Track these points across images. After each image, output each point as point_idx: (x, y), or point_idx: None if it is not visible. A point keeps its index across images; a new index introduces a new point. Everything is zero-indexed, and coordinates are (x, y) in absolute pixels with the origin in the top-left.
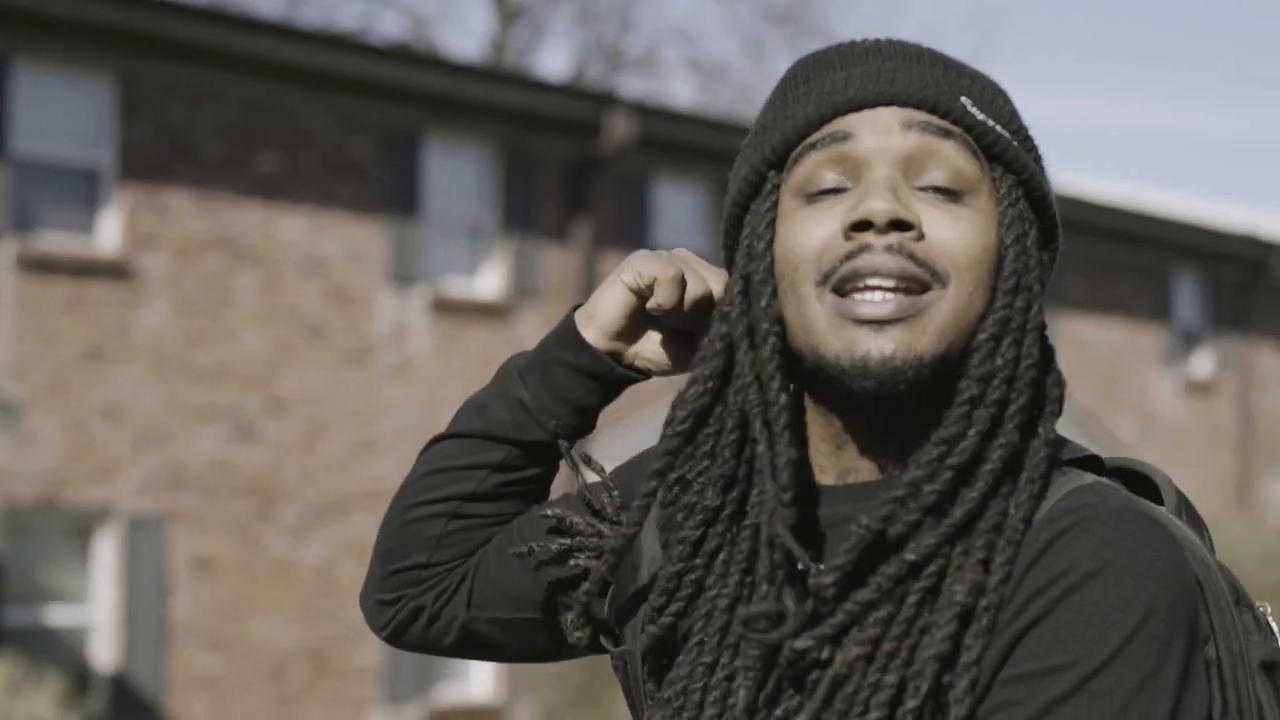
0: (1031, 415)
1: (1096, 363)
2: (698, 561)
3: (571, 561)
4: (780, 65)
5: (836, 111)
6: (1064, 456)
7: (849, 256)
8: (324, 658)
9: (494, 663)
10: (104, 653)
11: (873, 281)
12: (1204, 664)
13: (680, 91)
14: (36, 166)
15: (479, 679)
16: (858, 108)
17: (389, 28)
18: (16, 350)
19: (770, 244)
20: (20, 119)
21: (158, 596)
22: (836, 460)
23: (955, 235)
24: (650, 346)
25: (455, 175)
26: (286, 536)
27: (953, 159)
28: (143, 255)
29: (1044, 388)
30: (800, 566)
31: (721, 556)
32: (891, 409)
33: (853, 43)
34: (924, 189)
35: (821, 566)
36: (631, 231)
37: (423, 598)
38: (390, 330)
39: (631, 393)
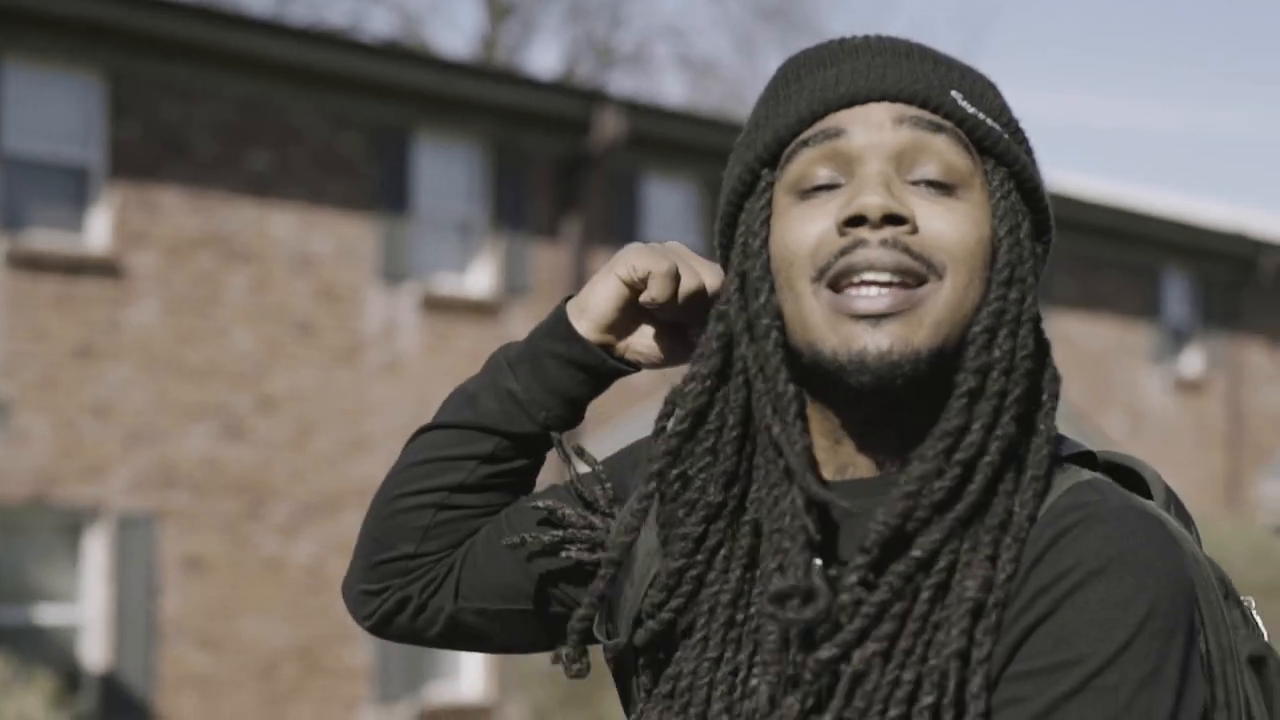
0: (1029, 408)
1: (1086, 361)
2: (699, 558)
3: (564, 554)
4: (770, 62)
5: (828, 108)
6: (1061, 452)
7: (844, 252)
8: (314, 656)
9: (479, 653)
10: (94, 651)
11: (868, 276)
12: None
13: (671, 88)
14: (26, 164)
15: (469, 678)
16: (849, 104)
17: (379, 25)
18: (6, 348)
19: (765, 241)
20: (10, 116)
21: (148, 595)
22: (835, 455)
23: (949, 227)
24: (641, 339)
25: (445, 172)
26: (277, 535)
27: (945, 153)
28: (133, 253)
29: (1040, 380)
30: (816, 562)
31: (723, 552)
32: (889, 404)
33: (843, 40)
34: (916, 183)
35: (826, 569)
36: (621, 229)
37: (409, 588)
38: (380, 328)
39: (620, 390)
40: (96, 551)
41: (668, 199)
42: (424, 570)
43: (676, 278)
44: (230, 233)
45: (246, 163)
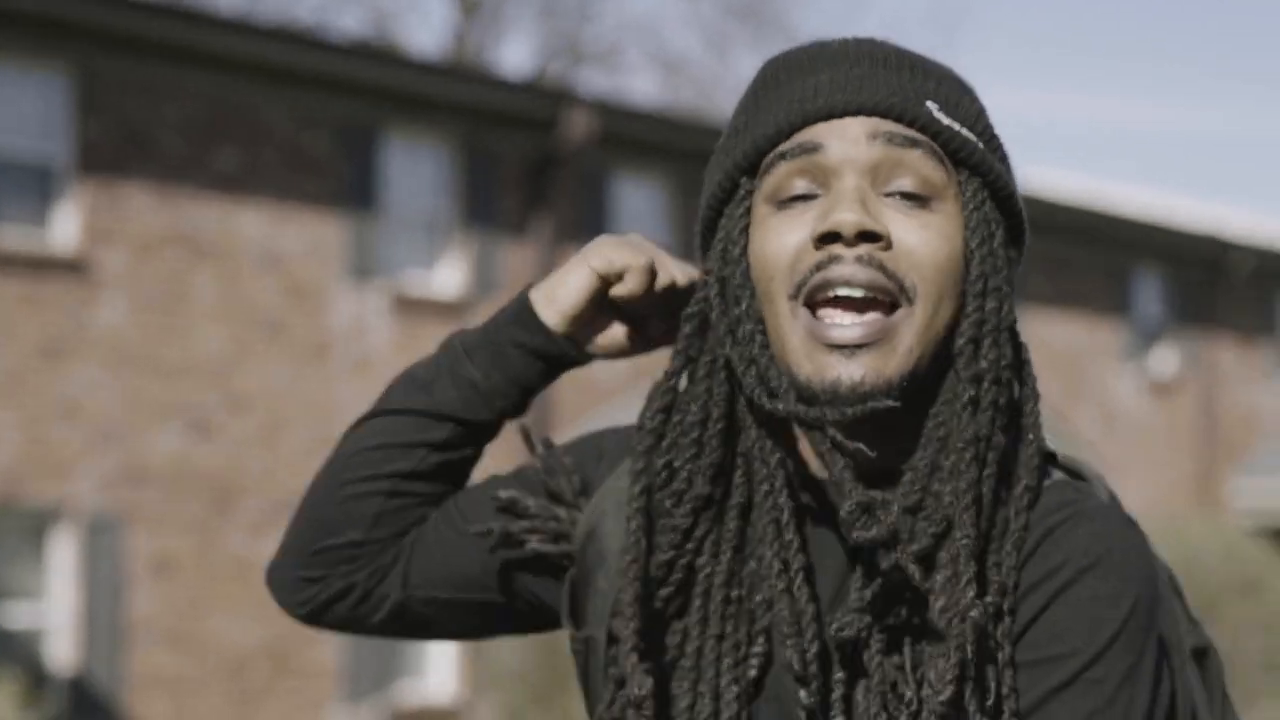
0: (1013, 416)
1: (1058, 359)
2: (689, 547)
3: (528, 545)
4: (741, 60)
5: (806, 121)
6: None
7: (819, 267)
8: (284, 656)
9: (417, 640)
10: (62, 652)
11: (843, 292)
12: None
13: (642, 86)
14: None
15: (440, 678)
16: (826, 117)
17: (350, 22)
18: None
19: (744, 249)
20: None
21: (116, 595)
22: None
23: (922, 243)
24: (603, 331)
25: (414, 171)
26: (246, 534)
27: (919, 167)
28: (100, 251)
29: (1022, 387)
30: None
31: (711, 538)
32: (867, 420)
33: (822, 44)
34: (891, 195)
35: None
36: (591, 228)
37: (354, 576)
38: (349, 326)
39: (587, 388)
40: (64, 552)
41: (637, 198)
42: (370, 558)
43: (653, 273)
44: (198, 231)
45: (215, 161)
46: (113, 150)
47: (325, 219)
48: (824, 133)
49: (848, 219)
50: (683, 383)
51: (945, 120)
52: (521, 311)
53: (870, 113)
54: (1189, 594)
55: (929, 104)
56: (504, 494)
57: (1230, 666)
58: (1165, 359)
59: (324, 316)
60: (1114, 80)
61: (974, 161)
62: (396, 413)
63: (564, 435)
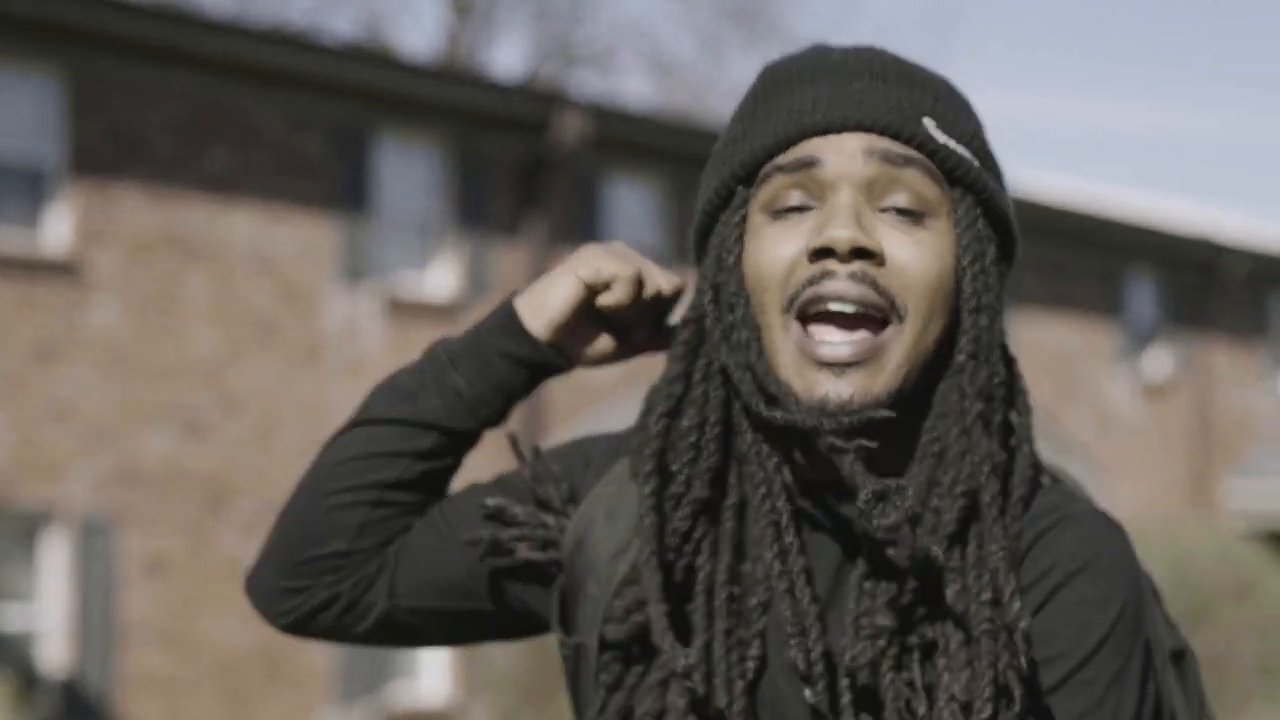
0: (1006, 430)
1: (1051, 362)
2: (687, 548)
3: (517, 553)
4: (736, 63)
5: (804, 134)
6: None
7: (812, 281)
8: (276, 658)
9: (402, 648)
10: (55, 654)
11: (834, 307)
12: None
13: (635, 88)
14: None
15: (432, 680)
16: (824, 131)
17: (342, 24)
18: None
19: (739, 257)
20: None
21: (108, 596)
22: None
23: (914, 259)
24: (587, 340)
25: (406, 173)
26: (239, 535)
27: (914, 184)
28: (92, 253)
29: (1012, 400)
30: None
31: (709, 539)
32: (861, 429)
33: (822, 53)
34: (886, 210)
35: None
36: (584, 230)
37: (339, 586)
38: (341, 327)
39: (580, 391)
40: (57, 553)
41: (630, 201)
42: (355, 567)
43: (639, 283)
44: (191, 233)
45: (207, 163)
46: (104, 152)
47: (317, 221)
48: (821, 147)
49: (843, 235)
50: (679, 388)
51: (941, 139)
52: (507, 320)
53: (868, 129)
54: (1183, 596)
55: (926, 120)
56: (491, 502)
57: (1224, 670)
58: (1159, 362)
59: (316, 318)
60: (1108, 83)
61: (969, 180)
62: (381, 422)
63: (556, 436)
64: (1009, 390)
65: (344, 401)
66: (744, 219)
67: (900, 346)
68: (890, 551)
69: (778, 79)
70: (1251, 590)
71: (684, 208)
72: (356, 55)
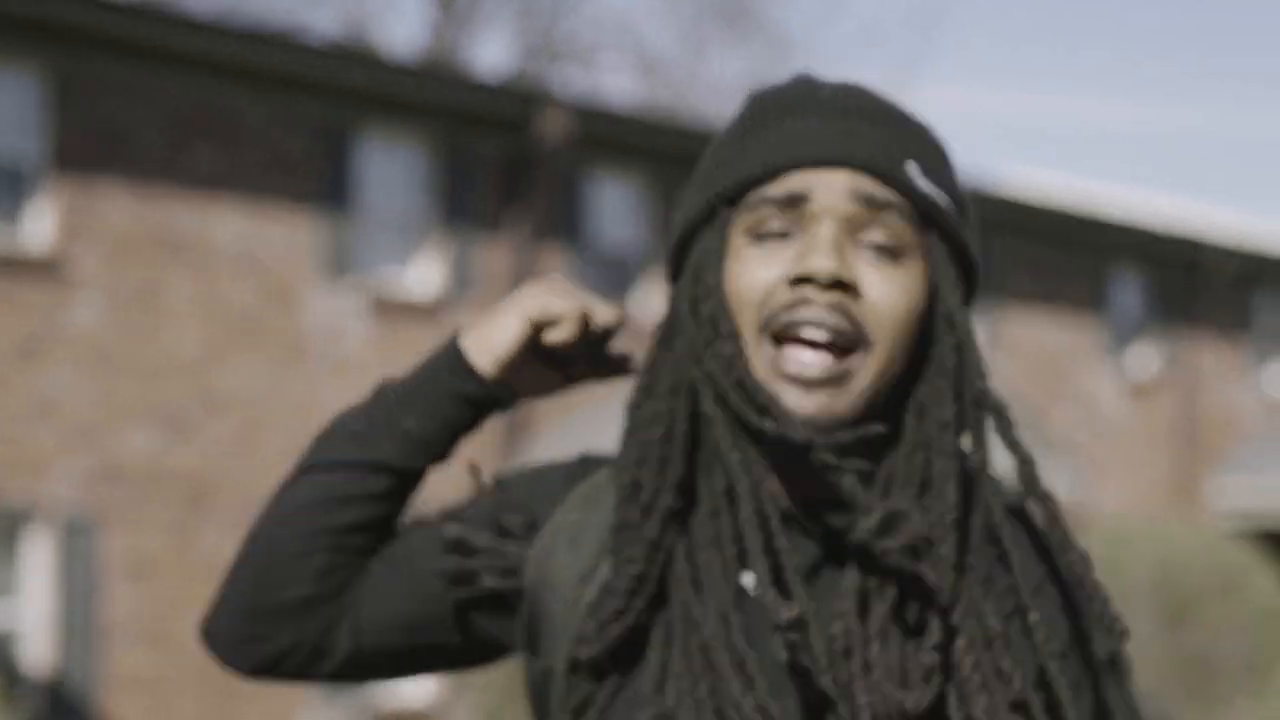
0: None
1: (1037, 359)
2: (658, 557)
3: (481, 582)
4: (720, 61)
5: (792, 165)
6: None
7: (790, 307)
8: None
9: (369, 682)
10: (37, 653)
11: (808, 333)
12: None
13: (619, 85)
14: None
15: (416, 680)
16: (813, 164)
17: (325, 21)
18: None
19: (719, 275)
20: None
21: (91, 596)
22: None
23: (886, 294)
24: (530, 375)
25: (390, 171)
26: (222, 535)
27: (894, 224)
28: (75, 251)
29: (978, 430)
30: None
31: (682, 549)
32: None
33: (812, 87)
34: (863, 245)
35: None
36: (567, 227)
37: (302, 631)
38: (325, 325)
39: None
40: (39, 552)
41: (613, 198)
42: (317, 612)
43: (585, 320)
44: (174, 231)
45: (191, 161)
46: (87, 149)
47: (301, 219)
48: (809, 181)
49: (825, 266)
50: (654, 402)
51: (922, 185)
52: (454, 360)
53: (855, 167)
54: (1169, 593)
55: (910, 165)
56: (452, 532)
57: (1210, 667)
58: (1144, 359)
59: (300, 316)
60: (1092, 79)
61: (945, 226)
62: (333, 466)
63: (540, 439)
64: (977, 421)
65: (328, 399)
66: (725, 239)
67: (866, 373)
68: (890, 562)
69: (767, 108)
70: (1237, 587)
71: (667, 205)
72: (340, 53)
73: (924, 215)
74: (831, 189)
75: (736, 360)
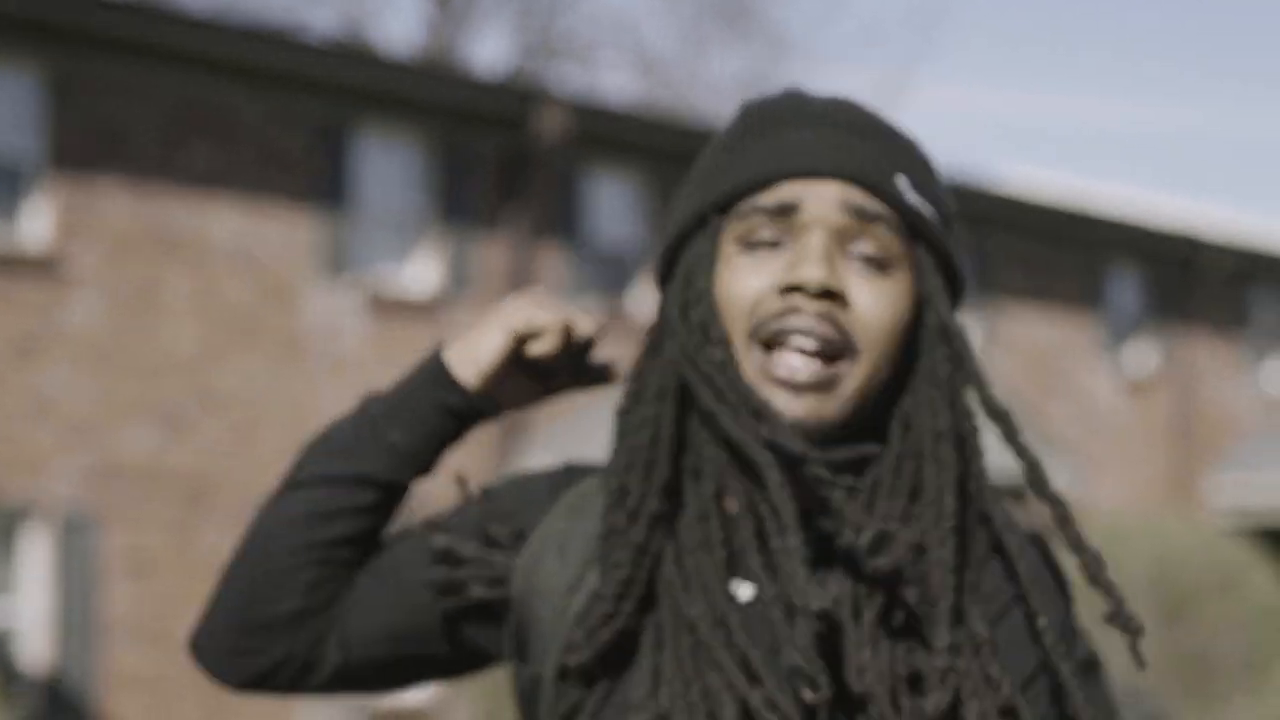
0: (963, 467)
1: (1033, 356)
2: (646, 561)
3: (470, 592)
4: (718, 60)
5: (784, 175)
6: None
7: (779, 315)
8: None
9: (358, 693)
10: (35, 651)
11: (796, 341)
12: None
13: (617, 83)
14: None
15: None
16: (805, 175)
17: (324, 19)
18: None
19: (710, 281)
20: None
21: (89, 594)
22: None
23: (873, 304)
24: (513, 386)
25: (387, 169)
26: (220, 533)
27: (883, 236)
28: (73, 249)
29: (970, 438)
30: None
31: (670, 552)
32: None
33: (805, 101)
34: (852, 256)
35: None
36: (565, 225)
37: (292, 646)
38: (324, 324)
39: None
40: (37, 550)
41: (611, 196)
42: (306, 626)
43: (568, 332)
44: (172, 229)
45: (188, 159)
46: (85, 147)
47: (298, 217)
48: (801, 192)
49: (815, 276)
50: (642, 407)
51: (910, 199)
52: (439, 374)
53: (847, 179)
54: (1166, 591)
55: (899, 178)
56: (440, 542)
57: (1208, 664)
58: (1141, 356)
59: (297, 314)
60: (1092, 79)
61: (933, 239)
62: (320, 481)
63: (536, 443)
64: (964, 427)
65: (326, 397)
66: (716, 246)
67: (853, 380)
68: (878, 569)
69: (760, 119)
70: (1235, 584)
71: (665, 204)
72: (338, 51)
73: (912, 228)
74: (822, 200)
75: (728, 365)
